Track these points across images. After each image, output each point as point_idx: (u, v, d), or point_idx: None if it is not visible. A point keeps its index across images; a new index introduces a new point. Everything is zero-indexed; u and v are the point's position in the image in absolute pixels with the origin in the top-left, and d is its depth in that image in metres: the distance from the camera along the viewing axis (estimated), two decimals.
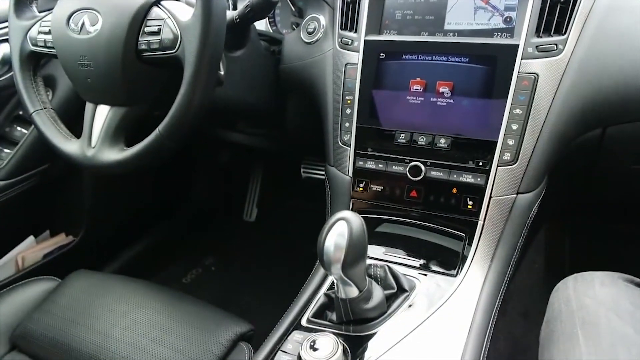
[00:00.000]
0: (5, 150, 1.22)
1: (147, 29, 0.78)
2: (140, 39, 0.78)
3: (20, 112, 1.23)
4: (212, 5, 0.71)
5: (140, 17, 0.78)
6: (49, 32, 0.88)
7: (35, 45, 0.91)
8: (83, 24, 0.81)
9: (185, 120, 0.75)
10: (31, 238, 1.33)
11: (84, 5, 0.82)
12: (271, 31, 1.19)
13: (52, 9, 0.88)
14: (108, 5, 0.80)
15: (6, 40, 1.14)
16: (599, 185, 1.13)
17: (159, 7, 0.79)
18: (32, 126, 1.20)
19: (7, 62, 1.15)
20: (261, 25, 1.20)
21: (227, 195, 1.98)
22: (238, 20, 0.90)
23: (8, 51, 1.13)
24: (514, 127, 0.84)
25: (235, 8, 1.22)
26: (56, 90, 1.22)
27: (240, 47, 0.97)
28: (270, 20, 1.21)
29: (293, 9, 1.17)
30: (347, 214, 0.63)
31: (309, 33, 1.03)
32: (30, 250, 1.31)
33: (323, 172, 1.06)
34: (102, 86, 0.83)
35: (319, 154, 1.05)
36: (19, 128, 1.24)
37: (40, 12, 0.96)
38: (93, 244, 1.45)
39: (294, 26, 1.18)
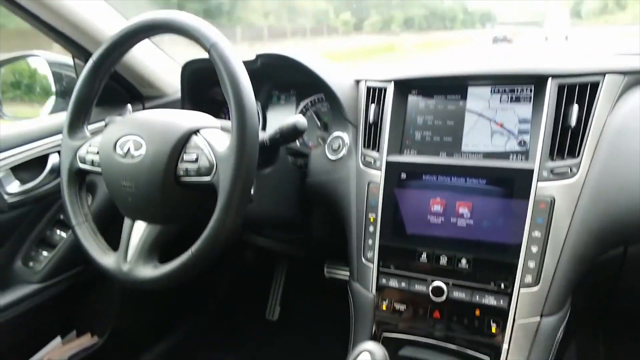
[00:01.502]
0: (44, 254, 1.28)
1: (186, 157, 0.85)
2: (179, 165, 0.85)
3: (61, 216, 1.31)
4: (246, 140, 0.78)
5: (181, 145, 0.85)
6: (97, 153, 0.97)
7: (83, 163, 0.99)
8: (129, 149, 0.89)
9: (217, 244, 0.79)
10: (58, 339, 1.35)
11: (130, 132, 0.90)
12: (298, 144, 1.27)
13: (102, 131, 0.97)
14: (152, 133, 0.88)
15: (57, 152, 1.24)
16: (625, 298, 1.12)
17: (197, 135, 0.87)
18: (71, 230, 1.27)
19: (54, 170, 1.25)
20: None
21: (250, 293, 1.99)
22: (268, 143, 0.97)
23: (56, 162, 1.24)
24: (534, 249, 0.85)
25: (264, 127, 1.31)
26: (96, 195, 1.30)
27: (269, 165, 1.04)
28: None
29: (319, 123, 1.25)
30: (371, 345, 0.65)
31: (334, 150, 1.09)
32: (56, 351, 1.33)
33: (347, 273, 1.07)
34: (141, 205, 0.89)
35: (343, 258, 1.07)
36: (58, 232, 1.31)
37: (91, 133, 1.06)
38: (117, 345, 1.46)
39: (319, 140, 1.26)
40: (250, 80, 0.83)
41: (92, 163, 0.98)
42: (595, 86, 0.90)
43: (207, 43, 0.83)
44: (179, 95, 1.39)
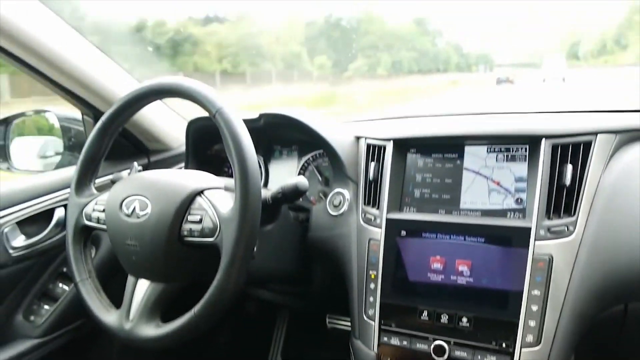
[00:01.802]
0: (45, 307, 1.28)
1: (190, 217, 0.87)
2: (183, 225, 0.87)
3: (64, 269, 1.32)
4: (248, 204, 0.80)
5: (185, 206, 0.88)
6: (102, 211, 0.99)
7: (89, 220, 1.01)
8: (134, 208, 0.91)
9: (219, 305, 0.80)
10: None
11: (136, 192, 0.92)
12: (300, 199, 1.29)
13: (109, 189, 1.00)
14: (157, 193, 0.90)
15: (62, 206, 1.26)
16: (627, 356, 1.11)
17: (202, 197, 0.89)
18: (73, 284, 1.27)
19: (60, 224, 1.26)
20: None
21: (251, 343, 1.97)
22: (270, 202, 0.99)
23: (62, 215, 1.26)
24: (534, 308, 0.86)
25: (266, 180, 1.34)
26: (100, 248, 1.32)
27: (271, 221, 1.06)
28: None
29: (320, 179, 1.28)
30: None
31: (335, 206, 1.11)
32: None
33: (349, 323, 1.07)
34: (145, 264, 0.90)
35: (345, 310, 1.07)
36: (61, 285, 1.31)
37: (97, 189, 1.08)
38: None
39: (321, 195, 1.28)
40: (254, 135, 0.86)
41: (98, 220, 1.00)
42: (588, 145, 0.92)
43: (213, 108, 0.86)
44: (183, 149, 1.43)
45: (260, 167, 1.34)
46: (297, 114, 1.18)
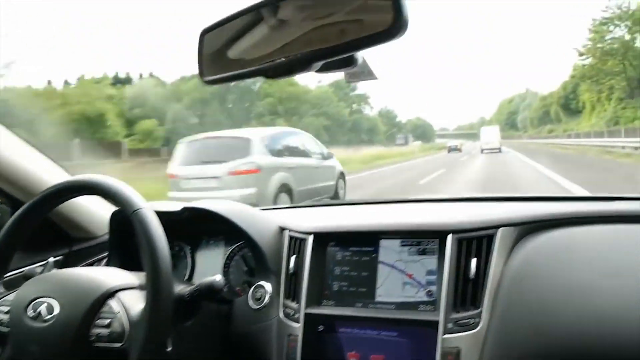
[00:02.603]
0: None
1: (99, 321, 0.85)
2: (92, 330, 0.84)
3: None
4: (159, 306, 0.80)
5: (95, 309, 0.85)
6: (7, 312, 0.94)
7: None
8: (40, 312, 0.87)
9: None
10: None
11: (44, 294, 0.89)
12: (225, 290, 1.28)
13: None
14: (67, 295, 0.88)
15: None
16: None
17: (113, 298, 0.87)
18: None
19: None
20: (216, 268, 1.28)
21: None
22: (187, 298, 0.98)
23: None
24: None
25: (193, 270, 1.33)
26: (6, 349, 1.23)
27: (190, 317, 1.04)
28: (224, 276, 1.30)
29: (246, 269, 1.28)
30: None
31: (257, 299, 1.11)
32: None
33: None
34: None
35: None
36: None
37: (6, 287, 1.03)
38: None
39: (246, 285, 1.27)
40: (180, 226, 0.87)
41: (1, 323, 0.95)
42: (491, 238, 0.99)
43: (130, 208, 0.87)
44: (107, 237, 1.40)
45: (186, 257, 1.34)
46: (218, 207, 1.20)
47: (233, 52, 0.73)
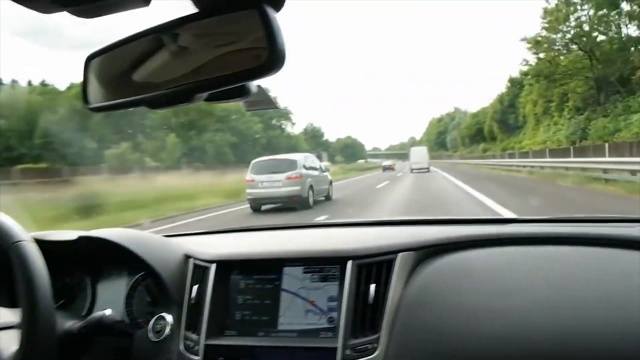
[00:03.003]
0: None
1: None
2: None
3: None
4: (33, 347, 0.74)
5: None
6: None
7: None
8: None
9: None
10: None
11: None
12: (127, 320, 1.22)
13: None
14: None
15: None
16: None
17: None
18: None
19: None
20: (119, 299, 1.21)
21: None
22: (77, 333, 0.92)
23: None
24: None
25: (93, 302, 1.25)
26: None
27: (84, 353, 0.98)
28: (127, 307, 1.24)
29: (149, 299, 1.23)
30: None
31: (157, 332, 1.07)
32: None
33: None
34: None
35: None
36: None
37: None
38: None
39: (149, 316, 1.22)
40: (80, 256, 0.81)
41: None
42: (390, 263, 1.01)
43: (7, 241, 0.81)
44: None
45: (86, 289, 1.26)
46: (117, 235, 1.15)
47: (117, 80, 0.71)
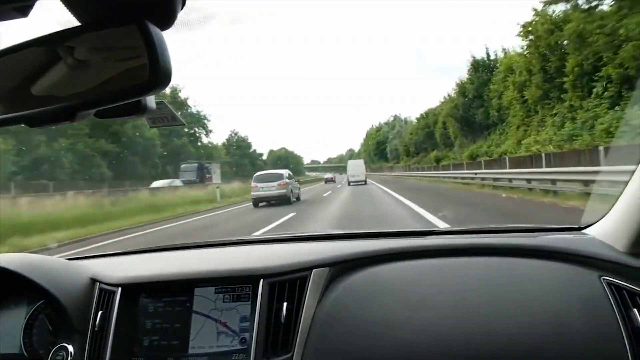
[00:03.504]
0: None
1: None
2: None
3: None
4: None
5: None
6: None
7: None
8: None
9: None
10: None
11: None
12: (25, 353, 1.13)
13: None
14: None
15: None
16: None
17: None
18: None
19: None
20: (17, 330, 1.12)
21: None
22: None
23: None
24: None
25: None
26: None
27: None
28: (25, 339, 1.15)
29: (51, 328, 1.14)
30: None
31: None
32: None
33: None
34: None
35: None
36: None
37: None
38: None
39: (50, 346, 1.14)
40: None
41: None
42: (304, 280, 1.00)
43: None
44: None
45: None
46: (12, 261, 1.07)
47: None
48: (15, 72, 0.64)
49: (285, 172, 16.82)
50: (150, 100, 0.67)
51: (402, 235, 1.35)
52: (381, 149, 72.72)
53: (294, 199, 16.29)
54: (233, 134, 64.45)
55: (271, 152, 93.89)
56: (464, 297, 0.94)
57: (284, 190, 15.50)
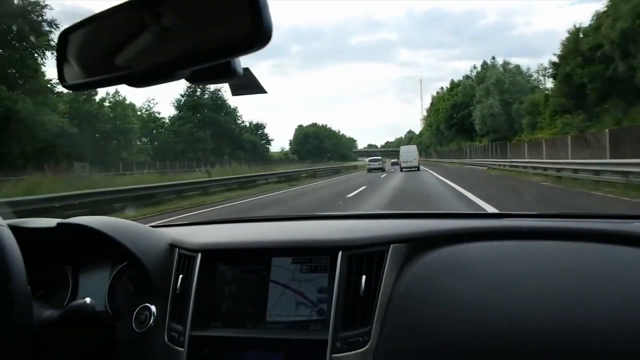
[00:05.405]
0: None
1: None
2: None
3: None
4: (9, 335, 0.71)
5: None
6: None
7: None
8: None
9: None
10: None
11: None
12: (110, 311, 1.18)
13: None
14: None
15: None
16: None
17: None
18: None
19: None
20: (102, 290, 1.18)
21: None
22: (54, 322, 0.88)
23: None
24: None
25: (75, 294, 1.21)
26: None
27: (62, 344, 0.94)
28: (109, 298, 1.20)
29: (133, 289, 1.19)
30: None
31: (140, 322, 1.03)
32: None
33: None
34: None
35: None
36: None
37: None
38: None
39: (132, 307, 1.19)
40: (60, 244, 0.77)
41: None
42: (381, 255, 0.98)
43: None
44: None
45: (68, 279, 1.22)
46: (98, 222, 1.11)
47: (95, 57, 0.68)
48: (116, 34, 0.65)
49: (380, 158, 25.66)
50: (239, 65, 0.67)
51: (478, 217, 1.31)
52: (459, 117, 46.17)
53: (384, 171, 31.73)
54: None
55: (299, 127, 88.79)
56: (545, 280, 0.89)
57: (381, 165, 33.76)
